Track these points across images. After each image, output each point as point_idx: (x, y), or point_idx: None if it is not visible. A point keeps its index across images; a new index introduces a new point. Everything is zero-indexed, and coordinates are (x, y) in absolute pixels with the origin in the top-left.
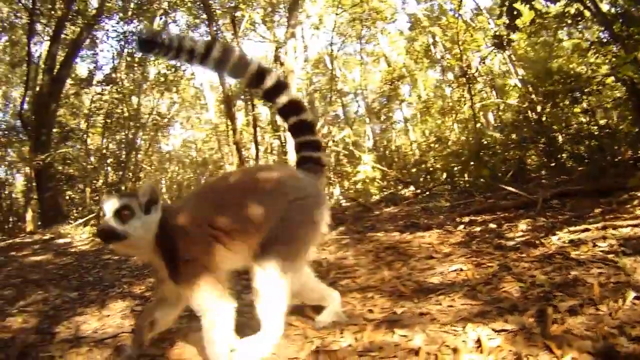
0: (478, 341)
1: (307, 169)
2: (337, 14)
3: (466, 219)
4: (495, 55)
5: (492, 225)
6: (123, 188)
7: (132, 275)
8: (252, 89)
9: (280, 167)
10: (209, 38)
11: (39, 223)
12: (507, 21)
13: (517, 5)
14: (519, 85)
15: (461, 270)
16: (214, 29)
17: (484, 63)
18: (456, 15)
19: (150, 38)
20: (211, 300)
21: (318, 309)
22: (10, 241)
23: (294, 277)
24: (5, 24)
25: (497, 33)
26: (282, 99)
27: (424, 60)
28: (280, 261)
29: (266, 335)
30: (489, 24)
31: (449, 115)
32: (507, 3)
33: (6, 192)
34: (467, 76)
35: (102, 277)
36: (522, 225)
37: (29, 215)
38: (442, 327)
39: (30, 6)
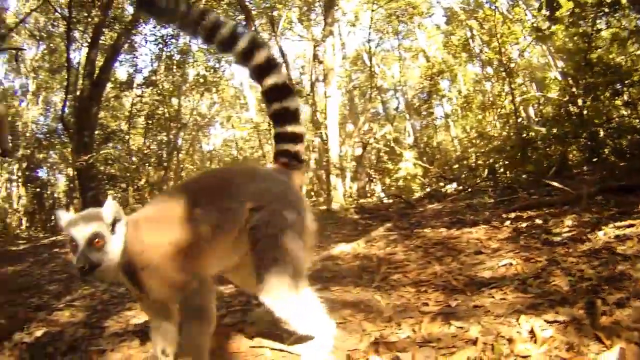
0: (531, 332)
1: (282, 163)
2: (372, 10)
3: (512, 215)
4: (534, 47)
5: (539, 221)
6: (164, 187)
7: None
8: (242, 65)
9: (242, 169)
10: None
11: None
12: (548, 13)
13: None
14: (559, 77)
15: (511, 264)
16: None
17: (522, 56)
18: (492, 7)
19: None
20: (193, 313)
21: None
22: (54, 239)
23: (303, 281)
24: (42, 33)
25: (536, 25)
26: (270, 81)
27: (462, 54)
28: (284, 282)
29: (323, 339)
30: (525, 15)
31: (489, 110)
32: None
33: (48, 192)
34: (507, 70)
35: None
36: (568, 220)
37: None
38: (497, 318)
39: (67, 15)
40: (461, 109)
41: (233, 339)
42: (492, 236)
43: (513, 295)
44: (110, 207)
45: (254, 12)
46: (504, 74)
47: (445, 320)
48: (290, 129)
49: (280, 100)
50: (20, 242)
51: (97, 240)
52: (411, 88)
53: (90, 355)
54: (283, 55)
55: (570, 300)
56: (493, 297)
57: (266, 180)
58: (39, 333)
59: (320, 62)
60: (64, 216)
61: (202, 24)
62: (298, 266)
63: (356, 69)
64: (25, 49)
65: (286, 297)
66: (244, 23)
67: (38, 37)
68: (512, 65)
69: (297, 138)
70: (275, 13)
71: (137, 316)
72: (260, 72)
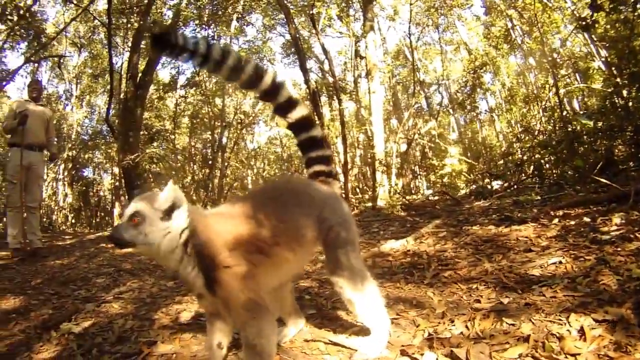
0: (581, 330)
1: (320, 181)
2: (411, 4)
3: (560, 213)
4: (576, 36)
5: (586, 219)
6: (209, 185)
7: None
8: (264, 102)
9: (304, 181)
10: (290, 37)
11: None
12: (590, 0)
13: None
14: (603, 67)
15: (560, 263)
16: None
17: (565, 45)
18: None
19: (163, 36)
20: (254, 312)
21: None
22: (99, 234)
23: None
24: (83, 40)
25: (579, 14)
26: (294, 115)
27: (503, 45)
28: (355, 265)
29: (380, 333)
30: (565, 2)
31: (533, 104)
32: None
33: (94, 190)
34: (550, 60)
35: None
36: (616, 219)
37: (116, 211)
38: (547, 316)
39: (107, 22)
40: (505, 103)
41: None
42: (541, 234)
43: (563, 294)
44: (168, 192)
45: (292, 10)
46: (546, 65)
47: (498, 318)
48: (319, 153)
49: (307, 131)
50: (67, 237)
51: (135, 218)
52: (454, 82)
53: (140, 346)
54: (325, 52)
55: (619, 299)
56: (543, 295)
57: (326, 192)
58: (86, 324)
59: (362, 58)
60: (137, 193)
61: (224, 64)
62: (363, 263)
63: (398, 64)
64: (66, 56)
65: (361, 281)
66: (284, 21)
67: (79, 45)
68: (555, 55)
69: (327, 160)
70: (314, 10)
71: (188, 309)
72: (284, 108)
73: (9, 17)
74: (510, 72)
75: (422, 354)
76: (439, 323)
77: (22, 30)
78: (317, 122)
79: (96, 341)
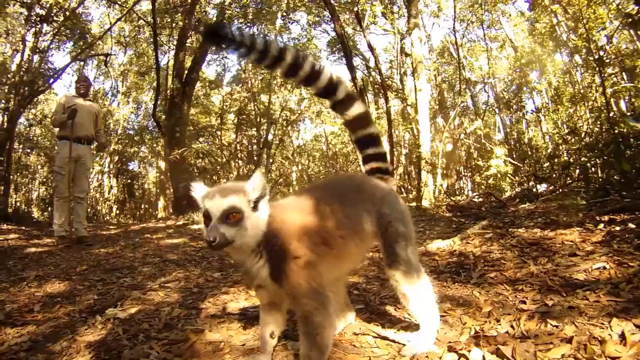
0: (622, 335)
1: (378, 178)
2: (455, 0)
3: (605, 218)
4: (622, 32)
5: (632, 225)
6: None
7: None
8: (322, 98)
9: (364, 177)
10: (335, 34)
11: (171, 211)
12: None
13: None
14: None
15: (604, 268)
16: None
17: (611, 42)
18: None
19: (216, 29)
20: (318, 302)
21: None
22: (144, 225)
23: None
24: (128, 39)
25: (625, 9)
26: (352, 112)
27: (549, 42)
28: (412, 260)
29: (429, 329)
30: None
31: (580, 104)
32: None
33: (139, 183)
34: (597, 59)
35: None
36: None
37: (161, 204)
38: (590, 320)
39: (152, 21)
40: (551, 103)
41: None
42: (586, 239)
43: (606, 299)
44: (256, 181)
45: (336, 7)
46: (593, 63)
47: (542, 319)
48: (376, 150)
49: (364, 128)
50: (111, 227)
51: (233, 214)
52: (500, 80)
53: (187, 334)
54: (372, 49)
55: None
56: (587, 299)
57: (385, 188)
58: (132, 310)
59: (407, 55)
60: (200, 188)
61: (283, 61)
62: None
63: (443, 62)
64: (112, 54)
65: (416, 275)
66: (329, 19)
67: (124, 44)
68: (602, 53)
69: (383, 157)
70: (358, 8)
71: (235, 300)
72: (343, 105)
73: (55, 18)
74: (556, 70)
75: (469, 351)
76: (485, 322)
77: (68, 31)
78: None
79: (142, 327)
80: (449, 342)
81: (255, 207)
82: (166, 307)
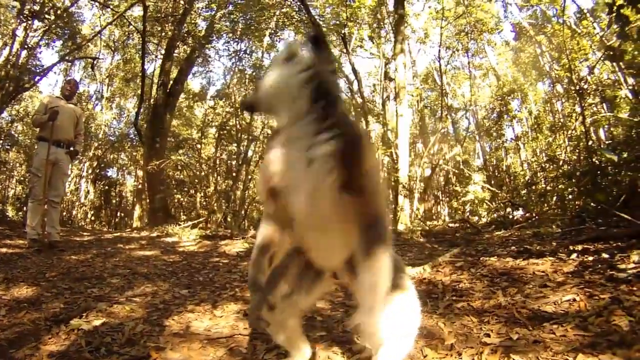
0: None
1: None
2: (441, 27)
3: (579, 247)
4: (603, 63)
5: (605, 255)
6: (232, 197)
7: (242, 280)
8: None
9: None
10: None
11: (146, 222)
12: (618, 29)
13: (625, 11)
14: (630, 96)
15: (574, 300)
16: None
17: (592, 73)
18: (561, 21)
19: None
20: None
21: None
22: (118, 234)
23: None
24: (117, 44)
25: (607, 40)
26: None
27: (532, 72)
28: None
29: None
30: (594, 28)
31: (559, 133)
32: (614, 10)
33: (116, 190)
34: (578, 89)
35: (213, 278)
36: (635, 256)
37: (136, 213)
38: (555, 355)
39: (142, 28)
40: (531, 131)
41: None
42: (558, 269)
43: (573, 333)
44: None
45: (324, 29)
46: (574, 93)
47: (505, 354)
48: None
49: None
50: (85, 233)
51: None
52: (482, 108)
53: (149, 351)
54: (355, 73)
55: (629, 341)
56: (554, 333)
57: None
58: (97, 322)
59: (391, 80)
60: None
61: None
62: None
63: (427, 88)
64: (100, 58)
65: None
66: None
67: (113, 48)
68: (583, 83)
69: None
70: (345, 30)
71: (199, 319)
72: None
73: (47, 15)
74: (537, 99)
75: None
76: (447, 355)
77: (58, 29)
78: None
79: (105, 340)
80: None
81: None
82: (130, 322)
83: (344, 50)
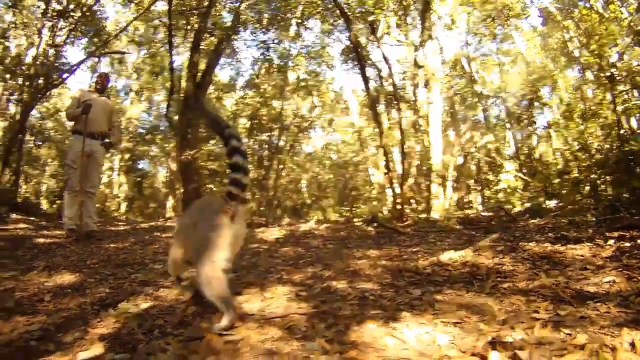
0: (632, 344)
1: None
2: (468, 13)
3: (615, 234)
4: (632, 48)
5: None
6: (265, 186)
7: (286, 264)
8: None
9: None
10: (350, 43)
11: (180, 211)
12: None
13: None
14: None
15: (614, 282)
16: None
17: (622, 59)
18: (588, 5)
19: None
20: None
21: None
22: (152, 223)
23: None
24: (142, 39)
25: (636, 26)
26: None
27: (560, 58)
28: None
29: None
30: (621, 13)
31: (591, 120)
32: None
33: (149, 182)
34: (609, 76)
35: (256, 263)
36: None
37: (169, 203)
38: (601, 329)
39: (167, 22)
40: (562, 119)
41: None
42: (596, 254)
43: (616, 310)
44: None
45: (351, 17)
46: (604, 79)
47: (555, 327)
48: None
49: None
50: (120, 223)
51: None
52: (512, 95)
53: (204, 331)
54: (386, 60)
55: None
56: (598, 310)
57: None
58: (145, 305)
59: (420, 67)
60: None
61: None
62: None
63: (455, 74)
64: (128, 53)
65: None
66: (342, 27)
67: (138, 43)
68: (613, 70)
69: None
70: (372, 18)
71: (250, 301)
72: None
73: (72, 14)
74: (568, 86)
75: (488, 354)
76: (500, 329)
77: (83, 27)
78: (377, 130)
79: (157, 322)
80: (468, 347)
81: None
82: (180, 304)
83: (371, 39)
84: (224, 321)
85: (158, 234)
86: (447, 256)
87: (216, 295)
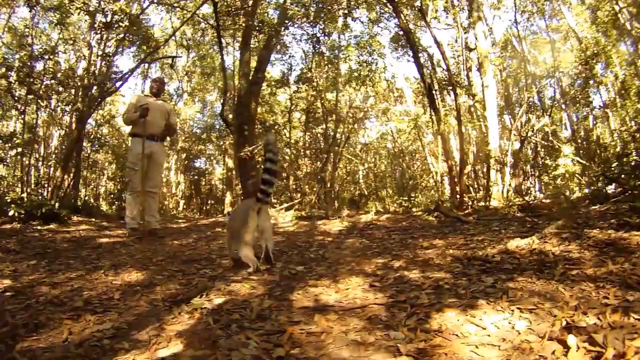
0: None
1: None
2: None
3: None
4: None
5: None
6: (323, 178)
7: (355, 255)
8: None
9: None
10: (400, 30)
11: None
12: None
13: None
14: None
15: None
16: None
17: None
18: None
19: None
20: None
21: None
22: (213, 219)
23: None
24: (189, 42)
25: None
26: None
27: (612, 32)
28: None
29: None
30: None
31: None
32: None
33: (206, 179)
34: None
35: (324, 255)
36: None
37: (228, 199)
38: None
39: (215, 24)
40: (619, 97)
41: None
42: None
43: None
44: None
45: (397, 4)
46: None
47: (625, 313)
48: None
49: None
50: (180, 221)
51: None
52: (565, 74)
53: (283, 325)
54: (438, 44)
55: None
56: None
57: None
58: (219, 301)
59: (471, 50)
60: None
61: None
62: None
63: (507, 56)
64: (178, 57)
65: None
66: (390, 15)
67: (187, 47)
68: None
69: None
70: (421, 2)
71: (325, 293)
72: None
73: (120, 23)
74: (622, 61)
75: (565, 338)
76: (574, 314)
77: (131, 36)
78: (434, 117)
79: (233, 317)
80: (545, 332)
81: None
82: (254, 298)
83: (419, 24)
84: (250, 269)
85: (219, 229)
86: (514, 244)
87: (245, 257)
